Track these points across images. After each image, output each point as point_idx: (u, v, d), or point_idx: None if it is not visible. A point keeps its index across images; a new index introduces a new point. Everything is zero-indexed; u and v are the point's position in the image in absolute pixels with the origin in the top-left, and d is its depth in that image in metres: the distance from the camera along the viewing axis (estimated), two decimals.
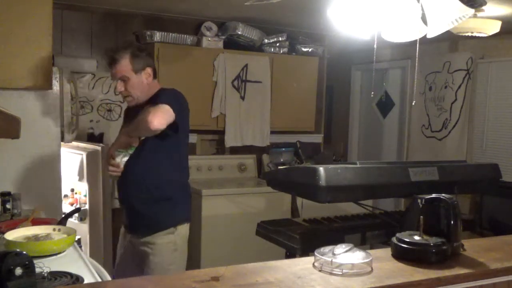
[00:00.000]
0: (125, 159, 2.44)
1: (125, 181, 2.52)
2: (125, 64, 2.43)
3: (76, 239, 2.21)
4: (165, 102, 2.30)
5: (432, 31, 1.61)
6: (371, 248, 2.81)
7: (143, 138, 2.43)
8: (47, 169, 3.03)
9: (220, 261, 2.57)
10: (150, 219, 2.49)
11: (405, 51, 5.05)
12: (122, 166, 2.44)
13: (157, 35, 4.32)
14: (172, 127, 2.34)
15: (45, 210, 2.81)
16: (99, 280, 1.80)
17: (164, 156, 2.47)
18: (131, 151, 2.45)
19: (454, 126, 4.69)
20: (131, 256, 2.57)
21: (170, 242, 2.50)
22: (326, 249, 1.54)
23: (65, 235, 2.10)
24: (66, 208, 3.50)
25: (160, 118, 2.24)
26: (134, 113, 2.46)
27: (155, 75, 2.55)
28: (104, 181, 3.64)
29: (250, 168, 4.89)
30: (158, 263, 2.46)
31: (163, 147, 2.44)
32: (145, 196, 2.48)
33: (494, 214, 4.22)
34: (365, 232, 2.82)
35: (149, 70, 2.49)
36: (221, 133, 4.71)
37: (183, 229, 2.61)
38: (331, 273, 1.44)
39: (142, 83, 2.47)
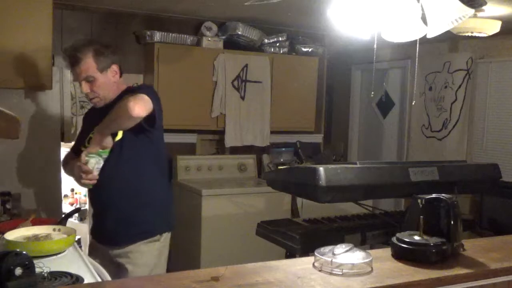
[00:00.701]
0: (99, 165, 2.20)
1: (104, 186, 2.28)
2: (89, 63, 2.23)
3: (76, 239, 2.20)
4: (143, 93, 2.14)
5: (432, 31, 1.61)
6: (371, 248, 2.80)
7: (118, 139, 2.22)
8: (47, 169, 3.03)
9: (220, 261, 2.58)
10: (134, 226, 2.29)
11: (405, 51, 5.04)
12: (95, 172, 2.19)
13: (157, 35, 4.32)
14: (149, 121, 2.18)
15: (45, 210, 2.81)
16: (99, 280, 1.80)
17: (145, 155, 2.30)
18: (105, 155, 2.20)
19: (454, 126, 4.69)
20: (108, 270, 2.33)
21: (154, 250, 2.32)
22: (326, 249, 1.54)
23: (65, 235, 2.09)
24: (66, 208, 3.51)
25: (141, 105, 2.07)
26: (97, 115, 2.27)
27: (121, 73, 2.37)
28: None
29: (250, 168, 4.89)
30: (138, 275, 2.25)
31: (142, 146, 2.28)
32: (128, 201, 2.29)
33: (494, 214, 4.21)
34: (365, 232, 2.81)
35: (115, 67, 2.31)
36: (221, 133, 4.71)
37: (168, 237, 2.42)
38: (331, 273, 1.44)
39: (109, 82, 2.29)
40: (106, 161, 2.23)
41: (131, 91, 2.25)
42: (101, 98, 2.29)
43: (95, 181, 2.22)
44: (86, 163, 2.17)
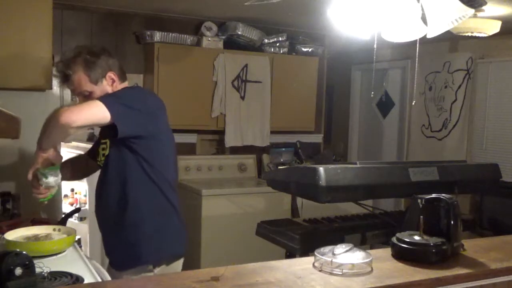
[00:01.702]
0: (49, 184, 2.01)
1: (97, 203, 2.19)
2: (80, 77, 2.04)
3: (76, 239, 2.20)
4: (101, 99, 1.91)
5: (432, 31, 1.61)
6: (371, 248, 2.80)
7: (106, 154, 2.06)
8: None
9: (220, 261, 2.58)
10: (121, 248, 2.09)
11: (405, 51, 5.05)
12: (44, 187, 2.01)
13: (157, 35, 4.32)
14: (112, 130, 1.92)
15: (45, 210, 2.81)
16: (99, 280, 1.80)
17: (129, 169, 2.04)
18: (52, 171, 2.01)
19: (454, 126, 4.69)
20: None
21: None
22: (326, 249, 1.54)
23: (65, 235, 2.09)
24: (66, 208, 3.50)
25: (74, 113, 1.81)
26: None
27: (123, 76, 2.16)
28: None
29: (250, 168, 4.89)
30: None
31: (127, 159, 2.03)
32: (114, 221, 2.09)
33: (494, 214, 4.21)
34: (365, 232, 2.81)
35: (111, 74, 2.09)
36: (221, 133, 4.71)
37: (171, 269, 2.12)
38: (331, 273, 1.44)
39: (107, 92, 2.08)
40: (99, 179, 2.13)
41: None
42: None
43: (43, 196, 2.04)
44: (38, 179, 2.00)
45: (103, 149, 2.18)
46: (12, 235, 2.04)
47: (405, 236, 1.65)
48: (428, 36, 1.63)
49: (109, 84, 2.10)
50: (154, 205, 2.09)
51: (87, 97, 2.08)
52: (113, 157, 2.07)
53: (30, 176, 1.99)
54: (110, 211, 2.11)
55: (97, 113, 1.87)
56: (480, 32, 3.17)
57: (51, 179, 2.01)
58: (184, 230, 2.23)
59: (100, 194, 2.17)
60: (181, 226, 2.20)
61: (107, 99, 1.91)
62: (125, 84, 2.18)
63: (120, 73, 2.14)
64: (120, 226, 2.08)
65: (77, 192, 3.89)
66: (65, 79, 2.07)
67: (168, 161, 2.16)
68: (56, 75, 2.11)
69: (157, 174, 2.08)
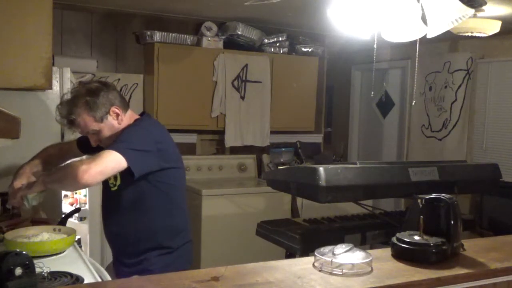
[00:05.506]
0: (34, 203, 2.13)
1: (104, 223, 2.25)
2: (84, 119, 2.06)
3: (76, 239, 2.21)
4: (114, 148, 1.95)
5: (432, 31, 1.61)
6: (371, 248, 2.80)
7: (118, 184, 2.12)
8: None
9: (220, 261, 2.58)
10: (131, 265, 2.15)
11: (405, 51, 5.05)
12: (28, 207, 2.15)
13: (157, 35, 4.32)
14: (127, 173, 1.97)
15: (45, 210, 2.81)
16: (99, 280, 1.80)
17: (148, 197, 2.11)
18: (39, 195, 2.12)
19: (454, 126, 4.69)
20: None
21: None
22: (326, 249, 1.54)
23: (65, 235, 2.09)
24: (66, 208, 3.50)
25: (95, 171, 1.86)
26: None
27: (126, 105, 2.17)
28: None
29: (250, 168, 4.89)
30: None
31: (143, 188, 2.09)
32: (125, 246, 2.18)
33: (494, 214, 4.22)
34: (365, 232, 2.82)
35: (115, 109, 2.10)
36: (221, 133, 4.72)
37: None
38: (331, 273, 1.44)
39: (113, 126, 2.11)
40: (110, 200, 2.19)
41: (121, 134, 2.08)
42: (113, 140, 2.10)
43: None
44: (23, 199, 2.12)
45: (112, 177, 2.16)
46: (12, 235, 2.04)
47: (405, 236, 1.65)
48: (428, 36, 1.63)
49: (115, 118, 2.11)
50: (167, 229, 2.17)
51: (96, 134, 2.11)
52: (127, 187, 2.10)
53: (15, 201, 2.08)
54: (122, 237, 2.17)
55: (114, 165, 1.92)
56: (480, 32, 3.17)
57: (35, 202, 2.12)
58: (191, 245, 2.31)
59: (111, 219, 2.21)
60: (189, 243, 2.29)
61: (119, 148, 1.95)
62: (129, 113, 2.19)
63: (122, 104, 2.15)
64: (130, 249, 2.14)
65: (77, 192, 3.88)
66: (71, 124, 2.10)
67: (179, 187, 2.23)
68: (60, 121, 2.12)
69: (171, 201, 2.17)
